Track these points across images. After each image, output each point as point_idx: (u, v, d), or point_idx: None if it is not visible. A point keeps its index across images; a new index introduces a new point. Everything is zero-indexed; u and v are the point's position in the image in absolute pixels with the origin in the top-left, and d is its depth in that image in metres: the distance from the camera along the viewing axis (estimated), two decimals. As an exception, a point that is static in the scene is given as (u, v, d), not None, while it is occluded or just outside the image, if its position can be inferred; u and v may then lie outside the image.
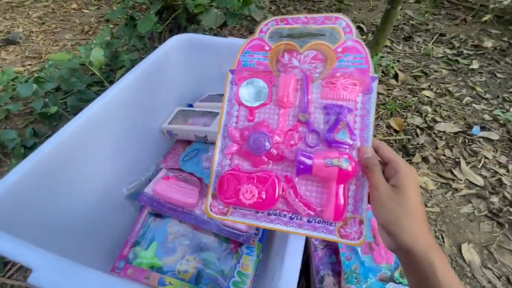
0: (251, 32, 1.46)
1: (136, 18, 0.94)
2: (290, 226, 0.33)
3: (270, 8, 1.62)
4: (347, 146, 0.32)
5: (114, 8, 1.65)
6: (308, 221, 0.33)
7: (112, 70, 1.05)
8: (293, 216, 0.33)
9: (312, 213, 0.32)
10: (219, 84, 0.74)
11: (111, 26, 1.47)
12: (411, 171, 0.28)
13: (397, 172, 0.28)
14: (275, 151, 0.34)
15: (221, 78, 0.73)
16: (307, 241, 0.58)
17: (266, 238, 0.55)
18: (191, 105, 0.71)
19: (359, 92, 0.33)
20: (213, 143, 0.63)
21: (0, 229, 0.28)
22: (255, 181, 0.33)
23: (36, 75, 1.10)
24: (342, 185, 0.31)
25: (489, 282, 0.62)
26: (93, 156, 0.47)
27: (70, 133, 0.42)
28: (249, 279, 0.49)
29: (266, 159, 0.34)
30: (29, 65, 1.20)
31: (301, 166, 0.31)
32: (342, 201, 0.31)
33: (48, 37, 1.38)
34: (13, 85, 0.93)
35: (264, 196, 0.33)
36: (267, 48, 0.37)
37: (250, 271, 0.50)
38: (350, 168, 0.30)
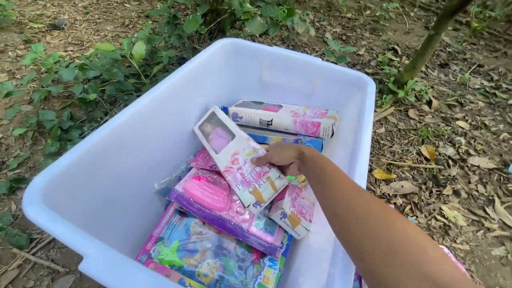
0: (283, 41, 1.47)
1: (179, 17, 0.97)
2: None
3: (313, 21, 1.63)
4: None
5: (156, 5, 1.71)
6: None
7: (149, 65, 1.08)
8: None
9: None
10: (256, 92, 0.74)
11: (150, 22, 1.52)
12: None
13: None
14: None
15: (259, 86, 0.74)
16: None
17: (289, 253, 0.54)
18: (225, 108, 0.71)
19: None
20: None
21: (54, 210, 0.28)
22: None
23: (77, 61, 1.15)
24: None
25: (521, 335, 0.58)
26: (131, 150, 0.48)
27: (116, 126, 0.43)
28: (270, 293, 0.47)
29: None
30: (71, 51, 1.25)
31: None
32: None
33: (91, 26, 1.44)
34: (55, 68, 0.97)
35: None
36: None
37: (272, 285, 0.48)
38: None
